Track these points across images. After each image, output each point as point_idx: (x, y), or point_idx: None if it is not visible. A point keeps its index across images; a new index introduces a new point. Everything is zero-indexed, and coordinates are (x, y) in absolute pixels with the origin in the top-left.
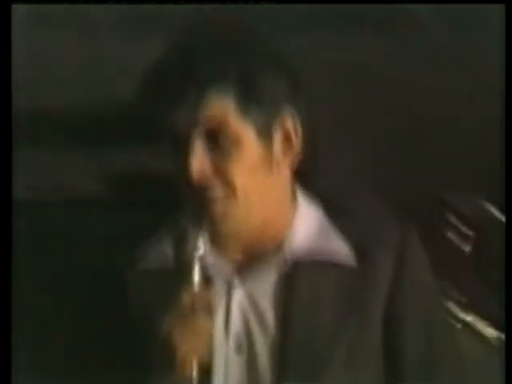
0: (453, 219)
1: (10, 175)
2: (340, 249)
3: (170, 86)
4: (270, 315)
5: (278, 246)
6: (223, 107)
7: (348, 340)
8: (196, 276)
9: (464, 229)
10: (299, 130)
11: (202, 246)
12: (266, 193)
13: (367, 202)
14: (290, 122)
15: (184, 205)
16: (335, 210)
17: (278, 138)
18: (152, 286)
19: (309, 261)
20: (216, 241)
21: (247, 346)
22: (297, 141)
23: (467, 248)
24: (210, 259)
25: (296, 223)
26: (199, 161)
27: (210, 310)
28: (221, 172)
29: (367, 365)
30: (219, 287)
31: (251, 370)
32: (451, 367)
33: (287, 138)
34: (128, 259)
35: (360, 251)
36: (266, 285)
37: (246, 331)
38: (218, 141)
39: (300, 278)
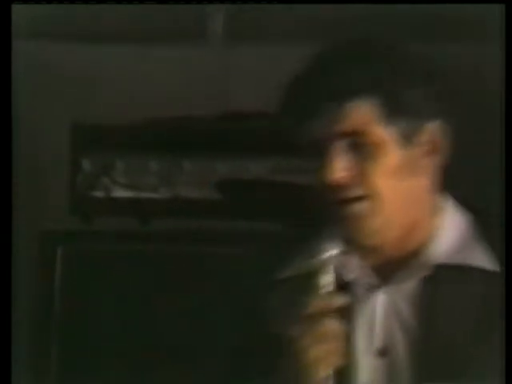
0: None
1: (10, 178)
2: (482, 254)
3: (312, 97)
4: (411, 319)
5: (420, 250)
6: (366, 115)
7: (488, 350)
8: (326, 279)
9: None
10: (445, 137)
11: (332, 250)
12: (407, 197)
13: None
14: (437, 130)
15: (323, 212)
16: (479, 218)
17: (421, 145)
18: (290, 292)
19: (451, 265)
20: (356, 245)
21: (390, 350)
22: (441, 148)
23: None
24: (350, 264)
25: (439, 228)
26: (340, 162)
27: (342, 315)
28: (361, 174)
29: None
30: (359, 292)
31: (393, 373)
32: None
33: (432, 145)
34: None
35: (501, 257)
36: (407, 289)
37: (389, 335)
38: (360, 147)
39: (442, 281)
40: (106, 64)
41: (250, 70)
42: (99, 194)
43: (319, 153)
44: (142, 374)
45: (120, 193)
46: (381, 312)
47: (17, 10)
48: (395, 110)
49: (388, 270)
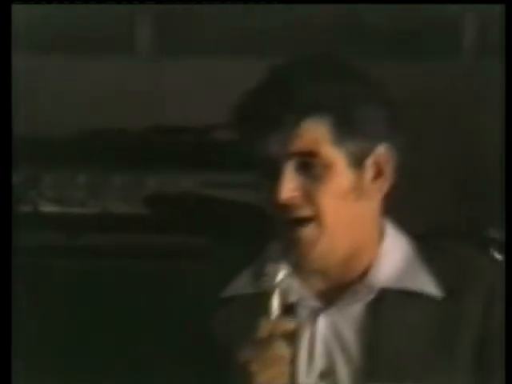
0: None
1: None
2: (427, 279)
3: (267, 113)
4: (353, 344)
5: (364, 274)
6: (317, 136)
7: (435, 373)
8: (275, 303)
9: None
10: (393, 162)
11: (282, 273)
12: (353, 220)
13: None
14: (385, 154)
15: (271, 231)
16: (422, 243)
17: (370, 168)
18: (235, 313)
19: (395, 290)
20: (301, 267)
21: (331, 373)
22: (389, 173)
23: None
24: (294, 286)
25: (383, 252)
26: (289, 183)
27: (289, 338)
28: (309, 195)
29: None
30: (302, 315)
31: None
32: None
33: (380, 169)
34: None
35: (446, 282)
36: (350, 313)
37: (329, 359)
38: (310, 167)
39: (385, 306)
40: (38, 75)
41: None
42: (26, 208)
43: (270, 171)
44: None
45: (47, 207)
46: (322, 335)
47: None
48: (347, 131)
49: (332, 293)
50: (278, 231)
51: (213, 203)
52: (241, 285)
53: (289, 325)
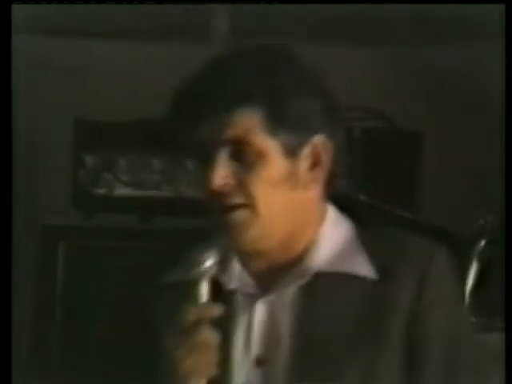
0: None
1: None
2: (363, 262)
3: (200, 103)
4: (289, 328)
5: (300, 259)
6: (250, 125)
7: (365, 354)
8: (204, 290)
9: None
10: (330, 150)
11: (210, 260)
12: (288, 207)
13: (396, 219)
14: (321, 143)
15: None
16: (362, 228)
17: (305, 158)
18: (170, 300)
19: (329, 272)
20: (239, 253)
21: (267, 359)
22: (326, 162)
23: None
24: (231, 271)
25: (321, 237)
26: (222, 171)
27: (218, 325)
28: (242, 183)
29: (384, 381)
30: (239, 300)
31: (270, 381)
32: None
33: (316, 159)
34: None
35: (383, 266)
36: (287, 297)
37: (265, 343)
38: (242, 155)
39: (319, 289)
40: (107, 62)
41: None
42: (101, 190)
43: (204, 158)
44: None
45: (122, 190)
46: (259, 321)
47: (17, 10)
48: (280, 121)
49: (269, 277)
50: (212, 217)
51: None
52: (177, 271)
53: (216, 311)
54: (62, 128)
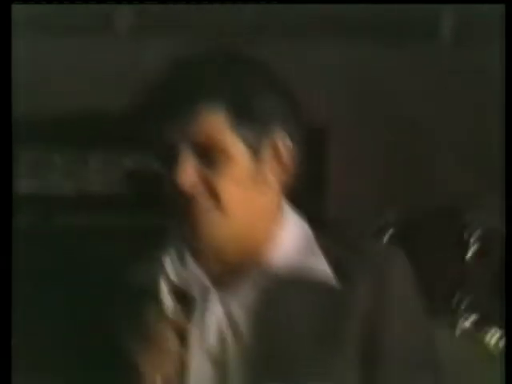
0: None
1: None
2: (321, 267)
3: (165, 100)
4: (245, 329)
5: (259, 261)
6: (213, 123)
7: (321, 355)
8: (163, 292)
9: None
10: (290, 148)
11: (170, 261)
12: (252, 207)
13: (355, 223)
14: (281, 141)
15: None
16: (321, 230)
17: (268, 156)
18: (131, 299)
19: (288, 277)
20: (198, 253)
21: (222, 360)
22: (287, 159)
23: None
24: (191, 272)
25: (279, 239)
26: (187, 170)
27: (178, 324)
28: (208, 183)
29: (341, 382)
30: (198, 299)
31: (225, 379)
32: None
33: (277, 156)
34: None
35: (341, 271)
36: (243, 299)
37: (221, 345)
38: (208, 154)
39: (276, 290)
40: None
41: None
42: None
43: (171, 157)
44: None
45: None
46: (215, 320)
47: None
48: (244, 119)
49: (228, 277)
50: (177, 217)
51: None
52: (135, 270)
53: (178, 309)
54: None
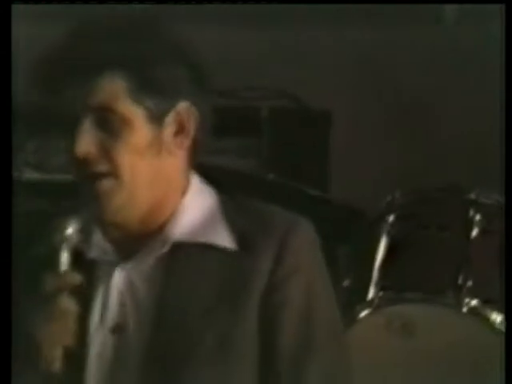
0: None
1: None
2: (223, 233)
3: (63, 70)
4: (145, 297)
5: (161, 229)
6: (113, 91)
7: (221, 325)
8: (64, 258)
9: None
10: (195, 119)
11: (71, 228)
12: (153, 175)
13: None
14: (185, 111)
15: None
16: (227, 198)
17: (170, 125)
18: (36, 267)
19: (188, 243)
20: (100, 221)
21: (123, 327)
22: (191, 129)
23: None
24: (92, 240)
25: (183, 207)
26: (85, 138)
27: (77, 293)
28: (107, 151)
29: (240, 352)
30: (99, 269)
31: (125, 350)
32: (330, 355)
33: (181, 126)
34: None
35: (243, 237)
36: (144, 266)
37: (122, 312)
38: (107, 123)
39: (177, 260)
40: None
41: None
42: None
43: (69, 127)
44: None
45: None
46: (117, 289)
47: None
48: (144, 88)
49: (130, 246)
50: (78, 186)
51: None
52: (41, 241)
53: (76, 279)
54: None
